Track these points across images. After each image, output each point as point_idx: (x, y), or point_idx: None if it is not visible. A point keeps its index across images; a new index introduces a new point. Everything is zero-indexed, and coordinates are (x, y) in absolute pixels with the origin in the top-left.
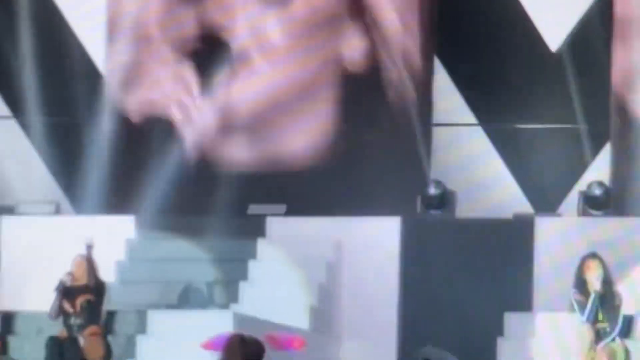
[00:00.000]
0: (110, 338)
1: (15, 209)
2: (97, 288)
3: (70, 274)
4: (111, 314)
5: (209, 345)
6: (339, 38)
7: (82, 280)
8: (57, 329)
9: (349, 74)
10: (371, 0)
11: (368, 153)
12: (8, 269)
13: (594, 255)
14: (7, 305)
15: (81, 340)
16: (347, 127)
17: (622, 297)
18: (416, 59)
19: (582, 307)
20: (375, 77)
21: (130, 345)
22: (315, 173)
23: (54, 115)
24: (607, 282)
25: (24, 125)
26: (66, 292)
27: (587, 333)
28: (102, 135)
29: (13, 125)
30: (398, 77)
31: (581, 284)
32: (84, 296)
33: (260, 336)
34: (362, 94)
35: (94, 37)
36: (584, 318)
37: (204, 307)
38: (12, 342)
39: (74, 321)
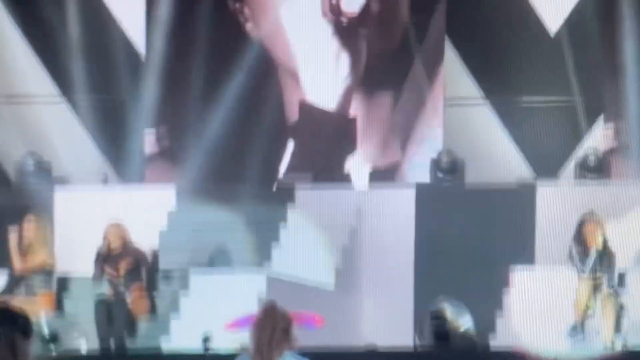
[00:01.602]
0: (155, 295)
1: (68, 180)
2: (134, 252)
3: (105, 242)
4: (156, 273)
5: (233, 325)
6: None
7: (116, 243)
8: (106, 289)
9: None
10: None
11: (382, 127)
12: (61, 235)
13: (592, 214)
14: (61, 268)
15: (128, 297)
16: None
17: (614, 253)
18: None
19: (581, 261)
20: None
21: (174, 301)
22: (339, 144)
23: (98, 94)
24: (603, 239)
25: (73, 105)
26: (106, 258)
27: (586, 284)
28: (143, 111)
29: (63, 105)
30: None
31: (580, 240)
32: (124, 261)
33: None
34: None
35: (134, 20)
36: (585, 270)
37: (240, 268)
38: (66, 302)
39: (118, 282)
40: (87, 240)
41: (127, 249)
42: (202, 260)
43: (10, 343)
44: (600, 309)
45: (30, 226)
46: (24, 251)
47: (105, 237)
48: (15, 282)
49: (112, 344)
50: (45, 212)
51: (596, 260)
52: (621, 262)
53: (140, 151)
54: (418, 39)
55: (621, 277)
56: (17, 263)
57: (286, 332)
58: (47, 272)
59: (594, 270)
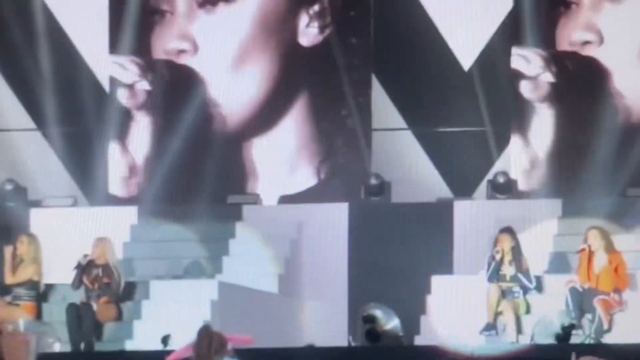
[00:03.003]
0: (121, 304)
1: (42, 202)
2: (111, 268)
3: (87, 255)
4: (122, 285)
5: (174, 357)
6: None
7: (100, 259)
8: (78, 297)
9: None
10: None
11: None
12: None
13: (505, 230)
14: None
15: (94, 306)
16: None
17: (526, 262)
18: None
19: (492, 269)
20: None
21: (136, 308)
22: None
23: (68, 126)
24: (516, 250)
25: (46, 135)
26: (85, 269)
27: (493, 290)
28: (108, 139)
29: (37, 135)
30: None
31: (493, 250)
32: (101, 276)
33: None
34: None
35: (98, 55)
36: (494, 277)
37: (195, 277)
38: (43, 309)
39: (92, 292)
40: (60, 253)
41: (105, 264)
42: (161, 270)
43: None
44: (509, 310)
45: (22, 245)
46: (15, 267)
47: (90, 250)
48: (3, 290)
49: (82, 346)
50: (23, 230)
51: (495, 269)
52: (532, 268)
53: (105, 175)
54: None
55: (535, 280)
56: (8, 277)
57: (222, 344)
58: (32, 286)
59: (502, 277)
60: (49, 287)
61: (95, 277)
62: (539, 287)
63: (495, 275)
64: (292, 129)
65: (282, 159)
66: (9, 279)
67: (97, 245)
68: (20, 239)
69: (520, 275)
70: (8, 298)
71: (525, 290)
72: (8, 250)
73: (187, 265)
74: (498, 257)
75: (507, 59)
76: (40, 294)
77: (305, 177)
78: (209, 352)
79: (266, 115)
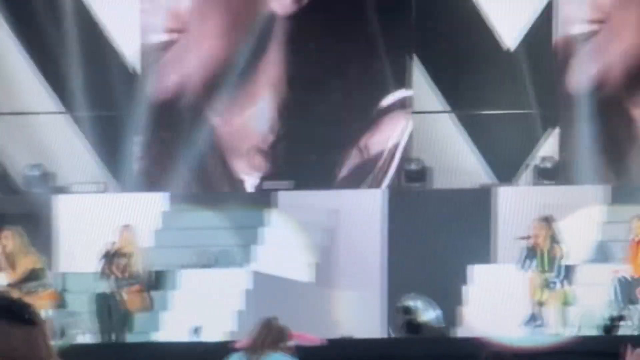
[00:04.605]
0: (151, 293)
1: (70, 188)
2: (137, 256)
3: (114, 242)
4: (152, 273)
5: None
6: None
7: (126, 247)
8: (104, 286)
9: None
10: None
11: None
12: (63, 238)
13: (543, 218)
14: (63, 268)
15: (124, 295)
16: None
17: (564, 251)
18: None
19: (527, 258)
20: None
21: (167, 298)
22: (322, 153)
23: (99, 110)
24: (554, 239)
25: (75, 119)
26: (113, 258)
27: (536, 280)
28: (139, 124)
29: (67, 119)
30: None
31: (530, 240)
32: (129, 263)
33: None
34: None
35: (129, 40)
36: (529, 268)
37: (227, 266)
38: (69, 299)
39: (120, 281)
40: (87, 241)
41: (132, 252)
42: (192, 259)
43: (42, 328)
44: (553, 300)
45: (7, 240)
46: (11, 263)
47: (115, 238)
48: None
49: (112, 336)
50: (49, 217)
51: (527, 258)
52: (573, 258)
53: (136, 161)
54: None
55: (572, 271)
56: (9, 275)
57: (280, 339)
58: (38, 275)
59: (538, 266)
60: (70, 276)
61: (122, 266)
62: (570, 279)
63: (527, 264)
64: (329, 113)
65: (320, 143)
66: (11, 277)
67: (122, 233)
68: (4, 234)
69: (553, 266)
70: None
71: (560, 280)
72: None
73: (219, 254)
74: (531, 244)
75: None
76: (61, 279)
77: (343, 163)
78: (262, 344)
79: (301, 98)
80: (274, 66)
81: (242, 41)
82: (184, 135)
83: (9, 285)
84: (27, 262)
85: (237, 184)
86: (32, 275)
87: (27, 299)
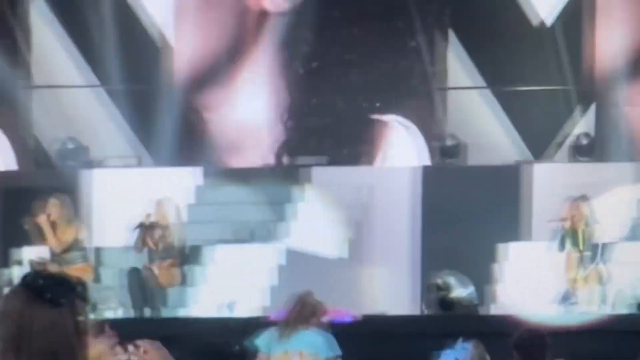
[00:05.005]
0: (185, 268)
1: (104, 162)
2: (172, 230)
3: (149, 215)
4: (186, 248)
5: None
6: None
7: (162, 221)
8: (139, 260)
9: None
10: None
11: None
12: (96, 212)
13: (580, 197)
14: (99, 242)
15: (156, 270)
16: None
17: (600, 230)
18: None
19: (564, 237)
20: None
21: (200, 273)
22: (355, 129)
23: (134, 83)
24: (589, 218)
25: (110, 92)
26: (146, 229)
27: (572, 258)
28: (172, 98)
29: (101, 92)
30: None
31: (565, 218)
32: (163, 236)
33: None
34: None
35: (162, 12)
36: (566, 246)
37: (261, 242)
38: (103, 273)
39: (153, 254)
40: (120, 215)
41: (167, 226)
42: (226, 234)
43: (72, 310)
44: (587, 279)
45: (54, 209)
46: (55, 232)
47: (150, 211)
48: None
49: (145, 311)
50: (82, 191)
51: (580, 237)
52: (608, 237)
53: (171, 135)
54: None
55: (607, 250)
56: (53, 244)
57: (314, 314)
58: (79, 247)
59: (574, 245)
60: (105, 250)
61: (157, 239)
62: (606, 258)
63: (563, 244)
64: (364, 88)
65: (354, 119)
66: (55, 246)
67: (158, 206)
68: (51, 203)
69: (589, 244)
70: (55, 266)
71: (599, 259)
72: (42, 219)
73: (253, 229)
74: (568, 225)
75: (591, 13)
76: (93, 253)
77: (378, 138)
78: (295, 320)
79: (335, 72)
80: (303, 40)
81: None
82: (218, 109)
83: (52, 254)
84: (70, 232)
85: (271, 159)
86: (74, 246)
87: (65, 271)
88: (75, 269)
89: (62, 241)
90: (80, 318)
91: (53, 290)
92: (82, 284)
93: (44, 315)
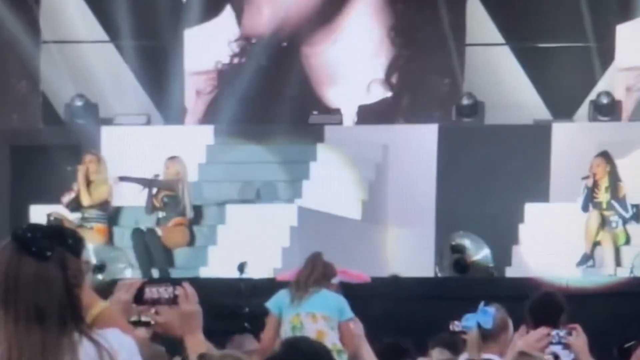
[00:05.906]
0: (195, 228)
1: (114, 120)
2: (182, 187)
3: (157, 175)
4: (196, 208)
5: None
6: None
7: (171, 180)
8: (146, 219)
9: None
10: None
11: (410, 68)
12: (109, 171)
13: (601, 154)
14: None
15: (159, 231)
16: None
17: (623, 189)
18: None
19: (588, 197)
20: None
21: (211, 234)
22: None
23: (144, 39)
24: (613, 176)
25: (120, 48)
26: (156, 190)
27: (594, 219)
28: (184, 54)
29: (110, 48)
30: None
31: (589, 177)
32: (166, 192)
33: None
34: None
35: None
36: (590, 206)
37: (273, 201)
38: (115, 233)
39: (163, 214)
40: (132, 174)
41: (178, 185)
42: (238, 194)
43: (61, 263)
44: (607, 240)
45: (91, 165)
46: (90, 188)
47: (160, 170)
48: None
49: (154, 272)
50: (90, 149)
51: (599, 195)
52: (632, 197)
53: (181, 93)
54: None
55: (630, 210)
56: (85, 199)
57: (325, 276)
58: (105, 207)
59: (598, 204)
60: (120, 209)
61: (163, 198)
62: (637, 216)
63: (588, 203)
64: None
65: (366, 74)
66: (86, 201)
67: (169, 165)
68: (89, 158)
69: (615, 203)
70: (77, 221)
71: (622, 219)
72: (82, 171)
73: (264, 189)
74: (590, 183)
75: None
76: (110, 215)
77: (393, 96)
78: (307, 280)
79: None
80: None
81: None
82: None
83: (75, 208)
84: (103, 191)
85: (284, 117)
86: (101, 207)
87: (82, 231)
88: (95, 229)
89: (94, 198)
90: (70, 272)
91: (40, 243)
92: (75, 238)
93: (29, 268)
